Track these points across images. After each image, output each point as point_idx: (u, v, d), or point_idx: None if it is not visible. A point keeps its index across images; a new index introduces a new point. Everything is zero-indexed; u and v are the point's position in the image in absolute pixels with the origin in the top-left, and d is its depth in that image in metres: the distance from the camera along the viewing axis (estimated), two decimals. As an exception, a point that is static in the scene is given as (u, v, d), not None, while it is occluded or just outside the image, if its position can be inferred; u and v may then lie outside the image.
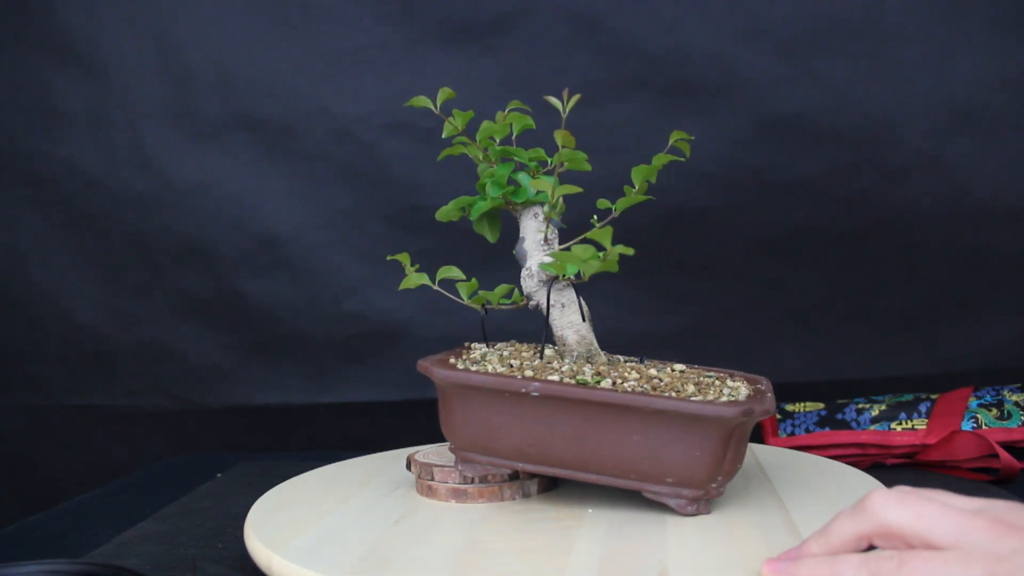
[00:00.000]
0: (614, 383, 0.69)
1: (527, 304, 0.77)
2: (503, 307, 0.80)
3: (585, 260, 0.71)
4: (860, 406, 1.04)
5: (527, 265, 0.76)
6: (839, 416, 1.04)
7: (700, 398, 0.68)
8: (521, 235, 0.77)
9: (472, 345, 0.82)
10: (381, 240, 1.34)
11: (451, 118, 0.76)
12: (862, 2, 1.24)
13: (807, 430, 1.04)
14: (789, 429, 1.05)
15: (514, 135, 0.77)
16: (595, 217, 0.73)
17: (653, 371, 0.74)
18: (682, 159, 0.75)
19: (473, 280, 0.80)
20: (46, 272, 1.39)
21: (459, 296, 0.80)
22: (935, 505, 0.50)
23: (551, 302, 0.75)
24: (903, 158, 1.26)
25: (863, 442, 1.00)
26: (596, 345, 0.75)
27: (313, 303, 1.37)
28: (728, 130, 1.27)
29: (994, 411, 0.99)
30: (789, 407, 1.09)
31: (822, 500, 0.72)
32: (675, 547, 0.62)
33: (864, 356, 1.32)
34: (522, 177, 0.75)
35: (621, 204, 0.73)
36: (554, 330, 0.75)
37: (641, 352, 0.80)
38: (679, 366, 0.77)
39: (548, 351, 0.76)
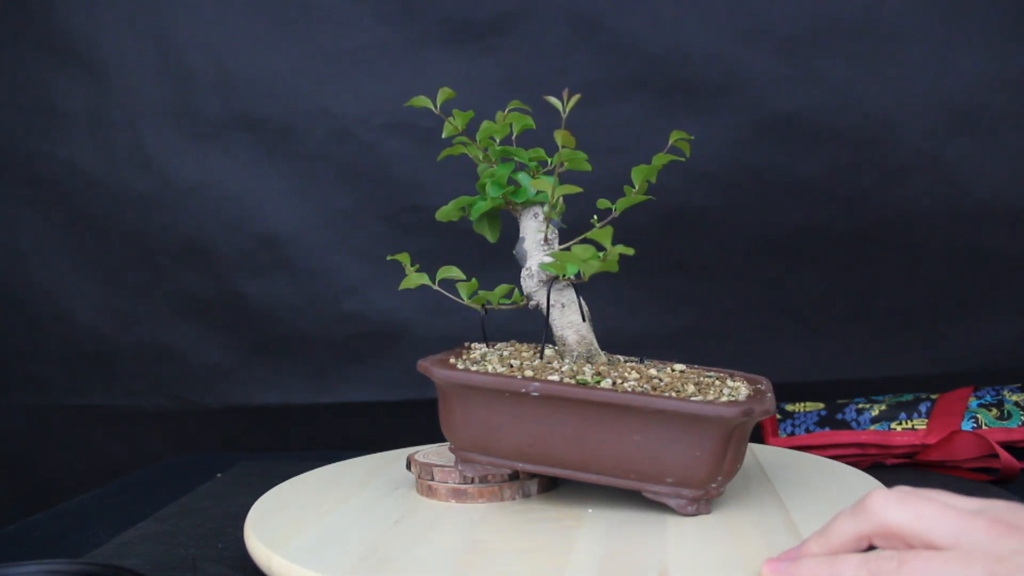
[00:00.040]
0: (614, 383, 0.69)
1: (527, 304, 0.77)
2: (503, 307, 0.80)
3: (585, 260, 0.71)
4: (860, 406, 1.04)
5: (527, 265, 0.76)
6: (839, 416, 1.04)
7: (700, 398, 0.68)
8: (521, 235, 0.77)
9: (472, 345, 0.82)
10: (381, 240, 1.34)
11: (451, 118, 0.76)
12: (862, 2, 1.24)
13: (807, 430, 1.04)
14: (789, 429, 1.05)
15: (514, 135, 0.77)
16: (595, 217, 0.73)
17: (653, 371, 0.74)
18: (682, 159, 0.75)
19: (473, 280, 0.80)
20: (46, 272, 1.39)
21: (459, 296, 0.80)
22: (935, 505, 0.50)
23: (551, 302, 0.75)
24: (903, 158, 1.26)
25: (863, 442, 1.00)
26: (596, 345, 0.75)
27: (313, 303, 1.37)
28: (728, 130, 1.27)
29: (994, 411, 0.99)
30: (789, 407, 1.09)
31: (822, 500, 0.72)
32: (675, 547, 0.62)
33: (864, 356, 1.32)
34: (522, 177, 0.75)
35: (621, 204, 0.73)
36: (554, 330, 0.75)
37: (641, 352, 0.80)
38: (679, 366, 0.77)
39: (548, 351, 0.76)
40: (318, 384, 1.39)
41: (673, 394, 0.68)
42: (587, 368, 0.72)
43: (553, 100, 0.70)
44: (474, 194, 0.77)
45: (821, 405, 1.07)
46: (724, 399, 0.69)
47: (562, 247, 0.75)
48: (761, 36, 1.25)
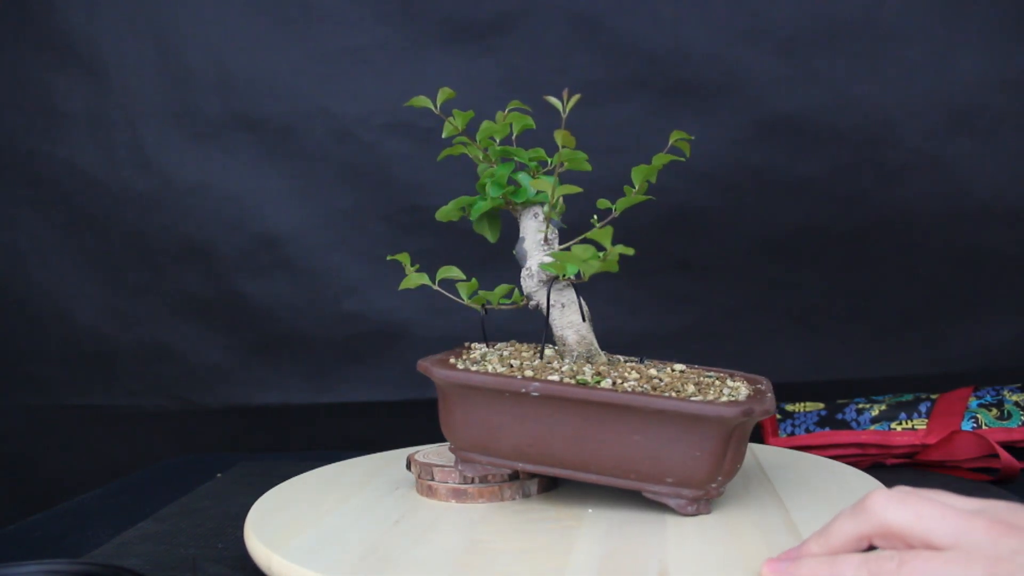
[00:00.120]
0: (614, 383, 0.69)
1: (527, 304, 0.77)
2: (503, 307, 0.80)
3: (585, 260, 0.71)
4: (860, 406, 1.04)
5: (527, 265, 0.76)
6: (839, 416, 1.04)
7: (700, 398, 0.68)
8: (521, 235, 0.77)
9: (472, 345, 0.82)
10: (381, 240, 1.34)
11: (451, 118, 0.76)
12: (862, 2, 1.24)
13: (807, 430, 1.04)
14: (789, 429, 1.05)
15: (514, 135, 0.77)
16: (595, 217, 0.73)
17: (653, 371, 0.74)
18: (682, 159, 0.75)
19: (473, 280, 0.80)
20: (46, 272, 1.39)
21: (459, 296, 0.80)
22: (935, 505, 0.49)
23: (551, 302, 0.75)
24: (903, 158, 1.26)
25: (863, 442, 1.00)
26: (596, 345, 0.75)
27: (313, 303, 1.37)
28: (728, 130, 1.27)
29: (994, 411, 0.99)
30: (789, 407, 1.09)
31: (822, 500, 0.72)
32: (675, 547, 0.62)
33: (864, 356, 1.32)
34: (522, 177, 0.75)
35: (621, 204, 0.73)
36: (554, 330, 0.75)
37: (641, 352, 0.80)
38: (679, 366, 0.77)
39: (548, 351, 0.76)
40: (318, 384, 1.39)
41: (673, 394, 0.68)
42: (587, 368, 0.72)
43: (553, 100, 0.70)
44: (474, 194, 0.77)
45: (821, 405, 1.07)
46: (724, 399, 0.69)
47: (562, 247, 0.75)
48: (761, 36, 1.25)
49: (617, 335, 0.90)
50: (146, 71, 1.33)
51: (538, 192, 0.75)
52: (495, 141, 0.77)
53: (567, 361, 0.74)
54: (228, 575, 0.70)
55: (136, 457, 1.35)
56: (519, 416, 0.69)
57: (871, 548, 0.52)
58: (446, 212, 0.78)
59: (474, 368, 0.73)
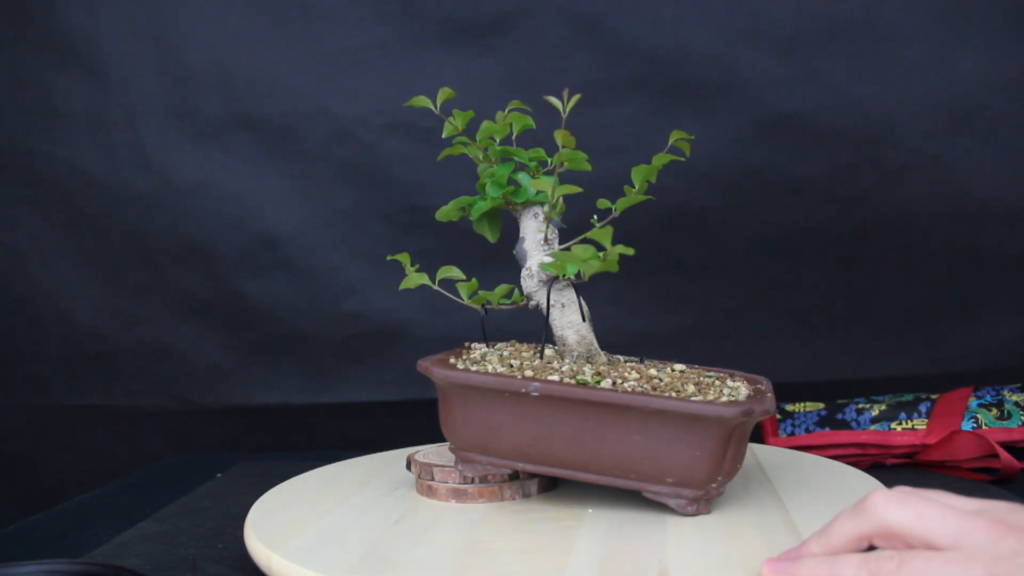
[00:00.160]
0: (614, 383, 0.69)
1: (527, 304, 0.77)
2: (503, 307, 0.80)
3: (585, 260, 0.71)
4: (860, 406, 1.04)
5: (527, 265, 0.76)
6: (839, 416, 1.04)
7: (700, 398, 0.68)
8: (521, 235, 0.77)
9: (472, 345, 0.82)
10: (381, 240, 1.34)
11: (451, 118, 0.76)
12: (862, 2, 1.24)
13: (807, 430, 1.04)
14: (789, 429, 1.05)
15: (514, 135, 0.77)
16: (595, 217, 0.73)
17: (653, 371, 0.74)
18: (682, 159, 0.75)
19: (473, 280, 0.80)
20: (46, 272, 1.39)
21: (459, 296, 0.80)
22: (935, 505, 0.49)
23: (551, 302, 0.75)
24: (903, 158, 1.26)
25: (863, 442, 1.00)
26: (596, 345, 0.75)
27: (313, 303, 1.37)
28: (728, 130, 1.27)
29: (994, 411, 0.99)
30: (789, 407, 1.09)
31: (822, 500, 0.72)
32: (675, 547, 0.62)
33: (864, 356, 1.32)
34: (522, 177, 0.75)
35: (621, 204, 0.73)
36: (554, 330, 0.75)
37: (641, 352, 0.80)
38: (679, 366, 0.77)
39: (548, 351, 0.76)
40: (318, 384, 1.39)
41: (673, 394, 0.68)
42: (587, 368, 0.72)
43: (553, 100, 0.70)
44: (474, 194, 0.77)
45: (821, 405, 1.07)
46: (724, 399, 0.69)
47: (562, 247, 0.75)
48: (761, 36, 1.25)
49: (617, 335, 0.90)
50: (146, 71, 1.33)
51: (538, 192, 0.75)
52: (495, 141, 0.77)
53: (567, 361, 0.74)
54: (228, 575, 0.70)
55: (136, 457, 1.35)
56: (519, 416, 0.69)
57: (871, 548, 0.52)
58: (446, 212, 0.78)
59: (474, 368, 0.73)
